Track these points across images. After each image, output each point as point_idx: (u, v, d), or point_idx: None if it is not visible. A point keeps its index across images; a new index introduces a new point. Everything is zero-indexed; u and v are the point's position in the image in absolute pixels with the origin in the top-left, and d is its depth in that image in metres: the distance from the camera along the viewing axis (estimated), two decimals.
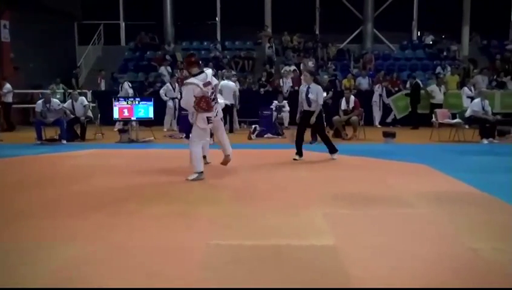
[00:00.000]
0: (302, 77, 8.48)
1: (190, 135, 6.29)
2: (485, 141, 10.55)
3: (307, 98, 7.79)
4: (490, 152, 8.99)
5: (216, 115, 6.24)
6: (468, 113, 11.07)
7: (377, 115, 14.98)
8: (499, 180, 6.05)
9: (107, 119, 12.18)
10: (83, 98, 12.08)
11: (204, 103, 5.89)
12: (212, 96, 6.02)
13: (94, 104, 13.62)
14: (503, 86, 16.05)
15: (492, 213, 4.53)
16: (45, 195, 5.36)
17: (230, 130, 12.78)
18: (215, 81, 6.28)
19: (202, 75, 5.95)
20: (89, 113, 11.72)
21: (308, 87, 7.84)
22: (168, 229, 4.02)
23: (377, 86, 15.10)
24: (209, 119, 6.05)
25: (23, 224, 4.18)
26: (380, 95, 14.92)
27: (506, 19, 20.90)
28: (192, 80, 5.95)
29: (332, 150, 7.99)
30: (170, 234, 3.87)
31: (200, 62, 6.17)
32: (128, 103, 11.02)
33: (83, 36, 20.32)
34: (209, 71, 6.15)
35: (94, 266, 3.17)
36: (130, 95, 13.22)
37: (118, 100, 11.07)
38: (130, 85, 13.97)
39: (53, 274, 3.04)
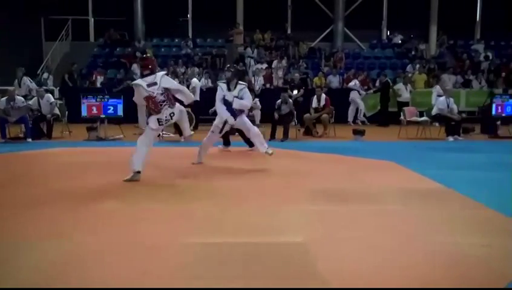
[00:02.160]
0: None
1: (140, 135, 6.26)
2: (451, 138, 10.83)
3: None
4: (455, 149, 9.23)
5: (171, 118, 6.10)
6: (434, 111, 11.34)
7: (352, 112, 15.15)
8: (464, 176, 6.21)
9: (75, 116, 11.90)
10: (50, 95, 11.77)
11: (152, 104, 5.92)
12: (162, 98, 5.90)
13: (61, 102, 13.30)
14: (469, 84, 16.53)
15: (458, 208, 4.64)
16: (7, 195, 5.20)
17: (195, 127, 12.79)
18: (168, 84, 6.05)
19: (150, 77, 5.95)
20: (56, 111, 11.44)
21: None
22: (142, 227, 3.96)
23: (353, 82, 15.24)
24: (159, 121, 5.99)
25: None
26: (358, 91, 15.07)
27: (472, 19, 21.49)
28: (137, 80, 6.15)
29: (226, 143, 8.99)
30: (144, 233, 3.81)
31: (152, 65, 6.13)
32: (96, 100, 10.81)
33: (51, 31, 19.81)
34: (159, 73, 6.11)
35: (67, 266, 3.10)
36: (30, 90, 12.95)
37: (86, 97, 10.84)
38: (31, 80, 13.67)
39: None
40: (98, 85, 15.81)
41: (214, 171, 6.73)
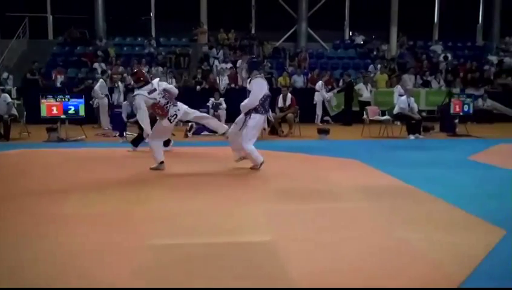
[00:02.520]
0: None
1: (152, 130, 6.58)
2: (412, 137, 11.12)
3: None
4: (416, 147, 9.49)
5: (176, 115, 6.50)
6: (395, 111, 11.61)
7: (319, 113, 15.29)
8: (425, 174, 6.39)
9: (34, 117, 11.50)
10: (7, 95, 11.35)
11: (158, 109, 6.46)
12: (164, 100, 6.44)
13: (19, 102, 12.84)
14: (428, 84, 17.03)
15: (419, 204, 4.77)
16: None
17: None
18: (163, 85, 6.61)
19: (147, 86, 6.48)
20: (14, 111, 11.04)
21: None
22: (104, 230, 3.87)
23: (319, 83, 15.37)
24: (170, 120, 6.48)
25: None
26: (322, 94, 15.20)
27: (430, 20, 22.17)
28: (138, 91, 6.55)
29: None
30: (106, 236, 3.73)
31: (144, 76, 6.71)
32: (56, 100, 10.49)
33: (6, 29, 19.07)
34: (155, 81, 6.68)
35: (27, 271, 2.99)
36: None
37: (46, 97, 10.50)
38: None
39: None
40: (58, 84, 15.37)
41: (177, 171, 6.65)
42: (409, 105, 11.44)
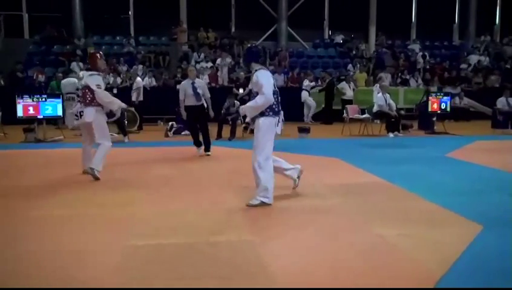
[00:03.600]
0: (188, 73, 8.51)
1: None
2: (391, 135, 11.26)
3: (196, 93, 7.96)
4: (395, 145, 9.62)
5: (80, 117, 5.96)
6: (375, 109, 11.75)
7: (307, 111, 15.30)
8: (403, 171, 6.49)
9: (10, 117, 11.25)
10: None
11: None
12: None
13: None
14: (406, 83, 17.27)
15: (397, 201, 4.84)
16: None
17: (139, 127, 12.59)
18: (84, 80, 6.00)
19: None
20: None
21: (193, 83, 8.05)
22: (83, 232, 3.83)
23: (305, 82, 15.42)
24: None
25: None
26: (308, 91, 15.25)
27: (408, 20, 22.48)
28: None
29: (208, 148, 8.13)
30: (85, 237, 3.70)
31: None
32: (33, 100, 10.29)
33: None
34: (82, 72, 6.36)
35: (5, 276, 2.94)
36: None
37: (22, 97, 10.29)
38: None
39: None
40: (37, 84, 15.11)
41: (158, 171, 6.60)
42: (386, 101, 11.57)
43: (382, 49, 20.06)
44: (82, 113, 5.92)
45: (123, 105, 6.26)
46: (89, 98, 5.90)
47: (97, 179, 5.81)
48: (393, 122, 11.48)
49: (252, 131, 11.82)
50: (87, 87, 5.89)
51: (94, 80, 5.91)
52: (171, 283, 2.84)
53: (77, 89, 6.24)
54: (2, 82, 15.30)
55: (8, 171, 6.79)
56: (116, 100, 6.19)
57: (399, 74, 17.79)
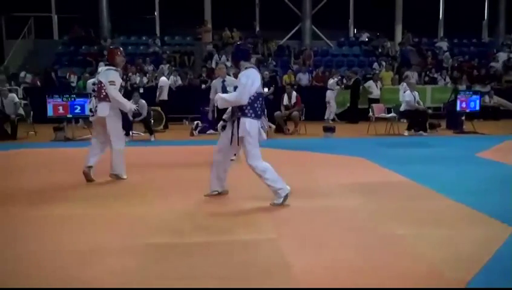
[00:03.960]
0: (218, 71, 7.97)
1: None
2: (406, 133, 11.06)
3: (226, 92, 7.14)
4: (422, 144, 9.46)
5: (94, 113, 5.78)
6: (402, 108, 11.54)
7: (329, 111, 15.21)
8: (430, 171, 6.38)
9: (40, 116, 11.55)
10: (14, 94, 11.43)
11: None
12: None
13: (26, 101, 12.91)
14: (434, 81, 16.97)
15: (423, 200, 4.78)
16: None
17: (165, 126, 12.73)
18: (101, 75, 5.76)
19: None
20: (21, 111, 11.11)
21: (224, 81, 7.66)
22: (80, 232, 3.84)
23: (330, 81, 15.33)
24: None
25: None
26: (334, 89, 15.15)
27: (436, 17, 22.09)
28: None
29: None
30: (83, 237, 3.70)
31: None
32: (63, 100, 10.53)
33: (12, 29, 19.16)
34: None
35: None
36: None
37: (52, 97, 10.55)
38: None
39: None
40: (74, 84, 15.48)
41: (181, 171, 6.65)
42: (415, 99, 11.37)
43: (408, 47, 19.77)
44: (96, 109, 5.72)
45: (133, 108, 5.94)
46: (103, 93, 5.65)
47: (123, 178, 5.79)
48: (419, 121, 11.30)
49: (276, 130, 11.88)
50: (102, 82, 5.67)
51: (109, 75, 5.65)
52: (193, 281, 2.85)
53: (94, 84, 6.00)
54: (39, 83, 15.67)
55: (25, 169, 6.94)
56: (127, 103, 5.79)
57: (426, 72, 17.49)
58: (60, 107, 10.48)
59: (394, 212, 4.38)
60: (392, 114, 11.94)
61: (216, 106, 7.83)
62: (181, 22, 20.05)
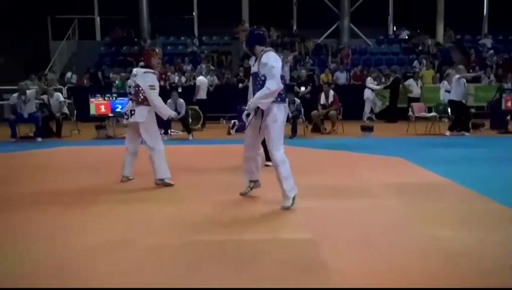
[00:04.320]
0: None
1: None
2: (447, 133, 10.74)
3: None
4: (465, 145, 9.19)
5: (130, 116, 5.52)
6: (451, 96, 10.99)
7: (368, 110, 15.04)
8: (471, 171, 6.19)
9: (83, 115, 11.95)
10: (59, 94, 11.86)
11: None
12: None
13: (70, 101, 13.38)
14: (477, 79, 16.41)
15: (466, 203, 4.63)
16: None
17: (203, 125, 12.89)
18: (139, 78, 5.51)
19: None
20: (65, 110, 11.52)
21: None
22: (138, 229, 3.92)
23: (369, 79, 15.15)
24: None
25: None
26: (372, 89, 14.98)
27: (479, 13, 21.35)
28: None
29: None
30: (141, 233, 3.79)
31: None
32: (104, 99, 10.85)
33: (57, 31, 19.89)
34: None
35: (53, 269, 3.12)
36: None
37: (94, 96, 10.88)
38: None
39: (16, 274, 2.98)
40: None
41: (212, 169, 6.69)
42: (464, 85, 10.90)
43: (448, 44, 19.19)
44: (132, 112, 5.48)
45: (173, 114, 5.79)
46: (141, 97, 5.43)
47: (170, 185, 5.48)
48: (462, 120, 10.96)
49: (312, 129, 11.83)
50: (140, 85, 5.45)
51: (148, 80, 5.44)
52: (231, 281, 2.89)
53: (129, 87, 5.70)
54: (86, 82, 16.19)
55: (74, 167, 7.19)
56: (166, 110, 5.65)
57: (470, 70, 16.93)
58: (102, 106, 10.80)
59: (434, 213, 4.28)
60: (433, 113, 11.64)
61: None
62: (219, 21, 20.23)
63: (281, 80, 4.30)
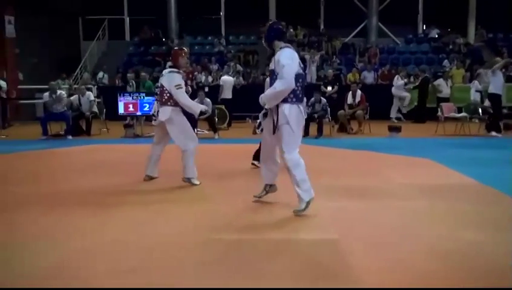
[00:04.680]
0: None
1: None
2: (494, 133, 10.47)
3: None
4: (495, 146, 8.95)
5: (156, 117, 5.58)
6: (491, 89, 10.70)
7: (395, 107, 14.86)
8: (501, 173, 6.02)
9: (112, 114, 12.19)
10: (90, 93, 12.15)
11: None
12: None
13: (99, 100, 13.67)
14: (510, 79, 15.94)
15: (494, 205, 4.53)
16: (33, 191, 5.40)
17: (229, 124, 12.96)
18: (163, 79, 5.56)
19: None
20: (95, 108, 11.77)
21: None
22: (160, 226, 3.96)
23: (396, 77, 14.96)
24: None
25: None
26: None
27: None
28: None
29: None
30: (164, 231, 3.83)
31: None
32: (133, 98, 11.04)
33: (88, 31, 20.35)
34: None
35: (88, 262, 3.19)
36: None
37: (123, 95, 11.08)
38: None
39: (48, 270, 3.03)
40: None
41: (236, 169, 6.68)
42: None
43: (480, 43, 18.70)
44: (158, 113, 5.55)
45: (203, 108, 5.69)
46: (166, 97, 5.45)
47: (195, 184, 5.52)
48: (492, 121, 10.67)
49: (339, 129, 11.74)
50: (164, 86, 5.47)
51: (173, 80, 5.42)
52: (255, 280, 2.90)
53: (156, 87, 5.76)
54: (118, 82, 16.50)
55: (104, 165, 7.32)
56: (195, 105, 5.64)
57: (503, 70, 16.46)
58: (131, 105, 10.99)
59: (462, 215, 4.20)
60: (463, 114, 11.39)
61: None
62: (246, 21, 20.28)
63: (298, 79, 4.12)
